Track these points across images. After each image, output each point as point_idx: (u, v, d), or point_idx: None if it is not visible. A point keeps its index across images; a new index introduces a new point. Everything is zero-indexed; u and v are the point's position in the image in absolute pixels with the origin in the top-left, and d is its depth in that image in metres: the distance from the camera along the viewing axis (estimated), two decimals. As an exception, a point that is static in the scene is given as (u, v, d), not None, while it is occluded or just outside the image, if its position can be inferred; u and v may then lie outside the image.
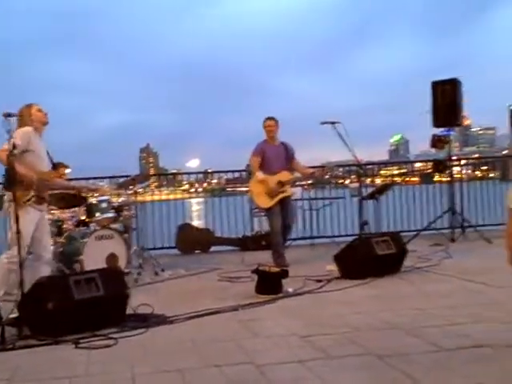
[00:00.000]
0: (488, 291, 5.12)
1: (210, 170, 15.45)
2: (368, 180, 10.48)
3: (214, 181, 15.27)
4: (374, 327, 4.12)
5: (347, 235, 9.46)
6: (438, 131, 9.22)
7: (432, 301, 4.90)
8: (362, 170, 7.49)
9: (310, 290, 5.59)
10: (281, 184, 7.26)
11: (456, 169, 11.49)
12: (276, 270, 5.67)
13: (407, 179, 13.73)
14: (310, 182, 10.00)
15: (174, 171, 66.07)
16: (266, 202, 7.26)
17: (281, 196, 7.26)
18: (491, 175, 13.25)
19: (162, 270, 7.10)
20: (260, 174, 7.28)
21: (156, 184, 13.00)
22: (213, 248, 9.56)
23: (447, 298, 5.00)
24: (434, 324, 4.10)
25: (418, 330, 3.94)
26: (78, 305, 4.25)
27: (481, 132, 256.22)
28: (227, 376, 3.19)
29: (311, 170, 7.93)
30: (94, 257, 6.18)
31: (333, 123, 6.96)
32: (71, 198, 6.57)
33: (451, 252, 7.56)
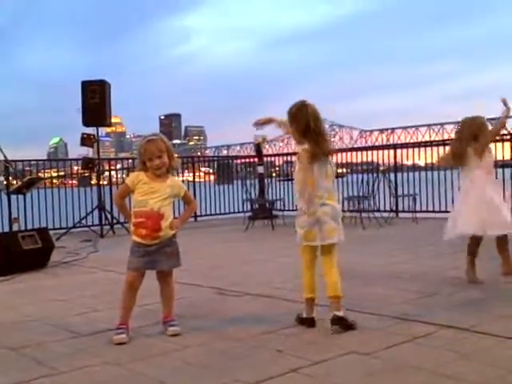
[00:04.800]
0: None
1: None
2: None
3: None
4: (13, 321, 4.05)
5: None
6: (88, 130, 9.44)
7: (75, 291, 5.02)
8: (8, 164, 7.23)
9: None
10: None
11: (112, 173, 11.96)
12: None
13: (65, 182, 13.67)
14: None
15: None
16: None
17: None
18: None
19: None
20: None
21: None
22: None
23: (90, 287, 5.19)
24: (76, 313, 4.21)
25: (59, 320, 4.00)
26: None
27: (134, 139, 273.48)
28: None
29: None
30: None
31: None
32: None
33: (99, 246, 7.82)
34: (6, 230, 7.90)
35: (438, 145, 10.93)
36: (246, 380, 2.70)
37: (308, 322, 3.61)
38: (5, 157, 6.89)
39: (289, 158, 14.13)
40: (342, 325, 3.45)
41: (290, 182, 11.97)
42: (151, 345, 3.37)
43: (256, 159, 12.11)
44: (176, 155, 3.71)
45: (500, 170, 9.01)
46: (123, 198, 3.69)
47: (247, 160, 14.70)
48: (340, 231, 3.60)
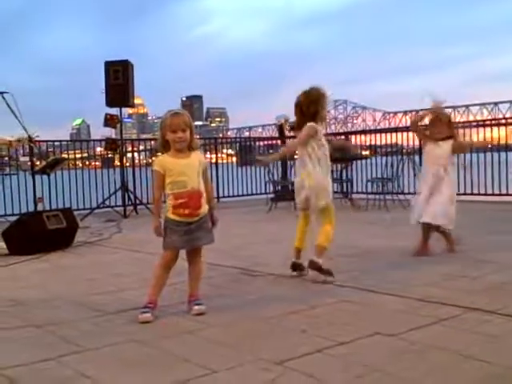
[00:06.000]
0: (152, 259, 5.49)
1: None
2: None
3: None
4: (40, 299, 4.09)
5: (20, 214, 9.05)
6: (112, 111, 9.44)
7: (100, 271, 5.07)
8: (32, 143, 7.28)
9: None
10: None
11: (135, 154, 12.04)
12: None
13: (88, 163, 13.77)
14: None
15: None
16: None
17: None
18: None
19: None
20: None
21: None
22: None
23: (114, 267, 5.23)
24: (100, 291, 4.25)
25: (85, 298, 4.04)
26: None
27: (156, 120, 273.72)
28: None
29: None
30: None
31: (1, 93, 6.66)
32: None
33: (122, 227, 7.88)
34: (31, 209, 8.01)
35: (463, 127, 10.71)
36: (270, 359, 2.70)
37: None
38: (29, 136, 6.92)
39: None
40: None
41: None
42: (176, 323, 3.39)
43: (279, 141, 12.06)
44: (198, 136, 3.66)
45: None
46: (162, 187, 3.52)
47: (270, 142, 14.61)
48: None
